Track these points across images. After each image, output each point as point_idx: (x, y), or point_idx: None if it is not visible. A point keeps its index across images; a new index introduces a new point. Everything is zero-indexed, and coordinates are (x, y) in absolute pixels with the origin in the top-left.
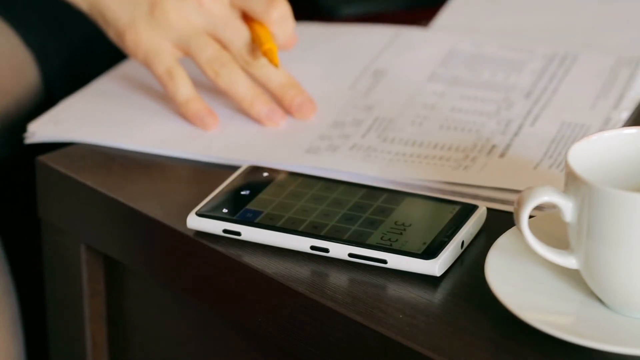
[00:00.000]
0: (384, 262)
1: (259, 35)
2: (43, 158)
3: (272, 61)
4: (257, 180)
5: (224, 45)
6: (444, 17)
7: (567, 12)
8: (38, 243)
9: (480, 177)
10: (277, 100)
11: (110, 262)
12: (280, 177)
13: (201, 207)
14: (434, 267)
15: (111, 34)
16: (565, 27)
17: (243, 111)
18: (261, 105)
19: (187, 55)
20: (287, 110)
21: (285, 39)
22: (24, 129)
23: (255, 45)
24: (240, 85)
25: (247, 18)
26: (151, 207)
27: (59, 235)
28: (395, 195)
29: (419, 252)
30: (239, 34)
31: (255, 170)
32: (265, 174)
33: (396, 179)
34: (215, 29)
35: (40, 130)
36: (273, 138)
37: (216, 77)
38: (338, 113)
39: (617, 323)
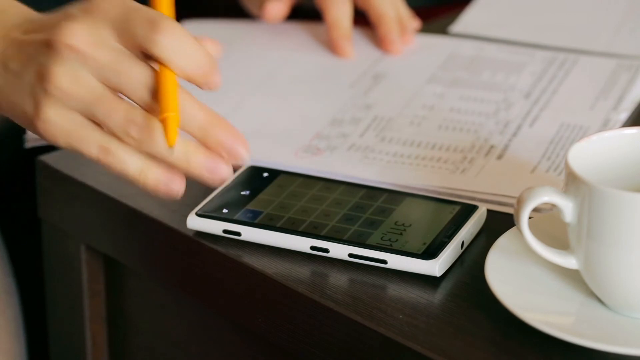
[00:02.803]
0: (384, 262)
1: (158, 96)
2: (43, 158)
3: (166, 138)
4: (257, 181)
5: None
6: (467, 17)
7: (592, 12)
8: (38, 243)
9: (477, 182)
10: (202, 145)
11: (110, 262)
12: (281, 177)
13: (201, 208)
14: (434, 267)
15: (30, 130)
16: (590, 28)
17: (183, 172)
18: (203, 159)
19: (101, 124)
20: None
21: (188, 67)
22: (24, 129)
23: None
24: (164, 150)
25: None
26: (151, 207)
27: (59, 235)
28: (395, 196)
29: (419, 252)
30: (135, 77)
31: (256, 170)
32: (266, 174)
33: (393, 183)
34: (107, 78)
35: None
36: (271, 137)
37: (138, 146)
38: (337, 111)
39: (617, 323)
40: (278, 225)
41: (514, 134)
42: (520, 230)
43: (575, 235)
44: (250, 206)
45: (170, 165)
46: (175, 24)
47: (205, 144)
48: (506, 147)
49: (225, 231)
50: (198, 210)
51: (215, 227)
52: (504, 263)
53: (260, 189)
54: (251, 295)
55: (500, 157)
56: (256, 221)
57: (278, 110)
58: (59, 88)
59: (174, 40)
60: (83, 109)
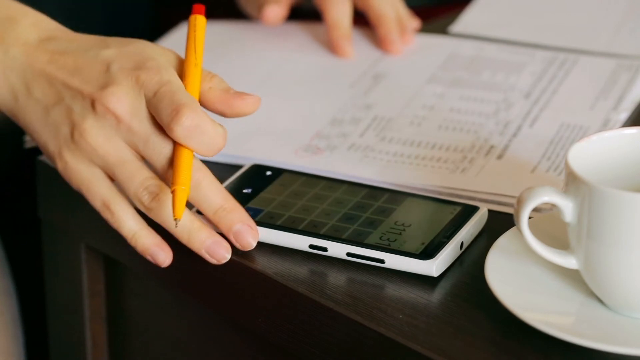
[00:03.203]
0: (382, 261)
1: (173, 168)
2: (43, 158)
3: (173, 211)
4: (260, 179)
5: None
6: (467, 17)
7: (592, 12)
8: (38, 243)
9: (477, 182)
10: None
11: (110, 262)
12: (283, 176)
13: None
14: (431, 267)
15: (45, 155)
16: (590, 28)
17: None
18: (204, 240)
19: (118, 184)
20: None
21: (205, 151)
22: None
23: None
24: (167, 220)
25: None
26: None
27: (59, 235)
28: (396, 196)
29: (417, 252)
30: (161, 152)
31: (259, 168)
32: (269, 173)
33: (393, 182)
34: (138, 146)
35: None
36: (271, 136)
37: (147, 211)
38: (337, 110)
39: (617, 323)
40: (278, 223)
41: (514, 134)
42: (520, 230)
43: (575, 235)
44: (252, 204)
45: (174, 234)
46: (195, 112)
47: (216, 226)
48: (506, 147)
49: None
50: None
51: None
52: (504, 263)
53: (263, 187)
54: (251, 295)
55: (500, 157)
56: (256, 219)
57: (278, 109)
58: (89, 144)
59: (190, 130)
60: (104, 166)
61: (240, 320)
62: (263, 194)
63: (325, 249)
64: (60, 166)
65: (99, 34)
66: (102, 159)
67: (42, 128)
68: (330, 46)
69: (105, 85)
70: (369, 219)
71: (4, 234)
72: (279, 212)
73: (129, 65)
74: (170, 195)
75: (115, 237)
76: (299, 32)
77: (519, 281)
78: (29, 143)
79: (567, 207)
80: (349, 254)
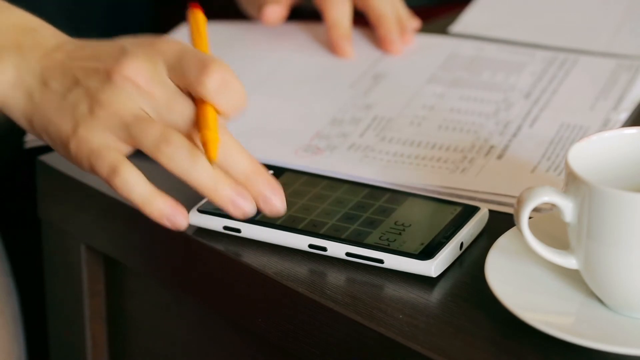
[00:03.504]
0: (381, 261)
1: (198, 120)
2: (43, 158)
3: (206, 153)
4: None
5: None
6: (467, 17)
7: (592, 12)
8: (38, 243)
9: (477, 182)
10: None
11: (110, 262)
12: (285, 175)
13: (203, 204)
14: (430, 267)
15: (59, 150)
16: (590, 28)
17: (208, 198)
18: (228, 190)
19: (134, 146)
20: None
21: (231, 109)
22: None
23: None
24: (197, 169)
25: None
26: None
27: (59, 235)
28: (397, 196)
29: (416, 252)
30: (184, 113)
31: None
32: (270, 172)
33: (393, 182)
34: (159, 112)
35: None
36: (271, 136)
37: (169, 162)
38: (337, 111)
39: (617, 323)
40: (278, 222)
41: (514, 134)
42: (520, 230)
43: (575, 235)
44: None
45: (195, 187)
46: (224, 67)
47: (246, 189)
48: (506, 147)
49: (225, 228)
50: (200, 207)
51: (215, 223)
52: (504, 263)
53: None
54: (251, 295)
55: (500, 157)
56: (256, 218)
57: (278, 109)
58: (107, 111)
59: (220, 84)
60: (120, 129)
61: (240, 320)
62: None
63: (324, 249)
64: (72, 145)
65: (99, 35)
66: (119, 124)
67: (58, 114)
68: (330, 46)
69: (121, 58)
70: (369, 219)
71: (5, 234)
72: None
73: (145, 43)
74: (194, 145)
75: (115, 237)
76: (298, 32)
77: (519, 281)
78: (29, 143)
79: (567, 207)
80: (348, 254)
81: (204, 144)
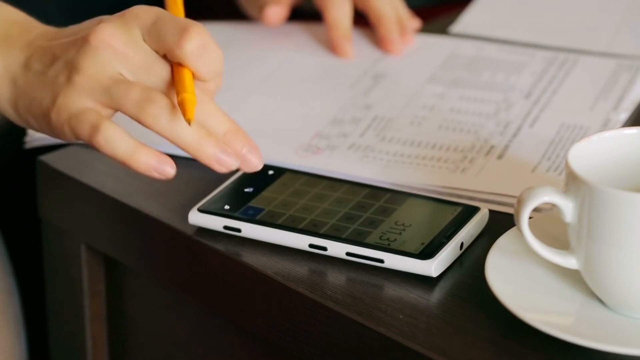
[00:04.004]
0: (381, 261)
1: (175, 81)
2: (44, 158)
3: (184, 114)
4: (261, 178)
5: None
6: (467, 17)
7: (592, 12)
8: (38, 243)
9: (477, 181)
10: None
11: (110, 262)
12: (285, 175)
13: (203, 203)
14: (430, 267)
15: (43, 128)
16: (590, 28)
17: (192, 156)
18: (212, 147)
19: (115, 108)
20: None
21: (209, 73)
22: (24, 129)
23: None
24: (181, 128)
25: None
26: (151, 206)
27: (60, 235)
28: (397, 196)
29: (416, 252)
30: (162, 76)
31: (262, 167)
32: (271, 172)
33: (393, 182)
34: (137, 75)
35: (41, 134)
36: (271, 136)
37: (153, 121)
38: (337, 111)
39: (617, 323)
40: (278, 222)
41: (514, 135)
42: (520, 230)
43: (575, 235)
44: (253, 203)
45: (180, 145)
46: (203, 31)
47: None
48: (506, 147)
49: (225, 227)
50: (200, 206)
51: (216, 223)
52: (504, 263)
53: (264, 187)
54: (251, 295)
55: (500, 157)
56: (257, 218)
57: (278, 109)
58: (85, 76)
59: (199, 48)
60: (99, 92)
61: (240, 320)
62: (264, 193)
63: (324, 249)
64: (53, 115)
65: None
66: (98, 88)
67: (39, 91)
68: (331, 46)
69: (96, 25)
70: (369, 219)
71: (5, 234)
72: (279, 211)
73: (120, 13)
74: (175, 103)
75: (115, 237)
76: (299, 32)
77: (519, 281)
78: (29, 143)
79: (567, 207)
80: (348, 254)
81: (181, 105)
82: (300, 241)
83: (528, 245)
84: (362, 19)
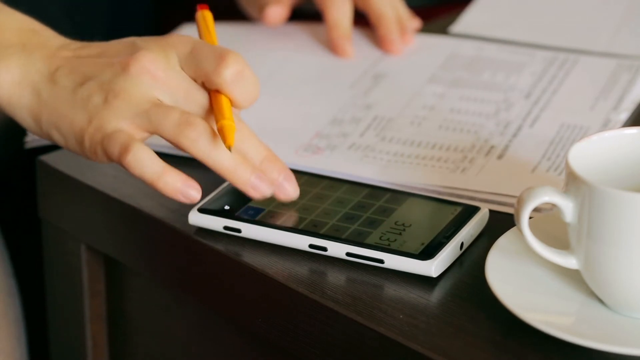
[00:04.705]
0: (381, 261)
1: (214, 108)
2: (43, 158)
3: (223, 140)
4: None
5: None
6: (467, 17)
7: (592, 12)
8: (38, 243)
9: (477, 181)
10: None
11: (110, 262)
12: None
13: (204, 204)
14: (430, 267)
15: (71, 146)
16: (590, 28)
17: (228, 180)
18: (248, 172)
19: (153, 131)
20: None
21: (246, 100)
22: (24, 129)
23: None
24: (219, 152)
25: (205, 87)
26: (151, 206)
27: (60, 235)
28: (397, 196)
29: (416, 252)
30: (201, 103)
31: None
32: None
33: (393, 182)
34: (176, 101)
35: None
36: (271, 136)
37: (191, 144)
38: (337, 111)
39: (617, 323)
40: (278, 222)
41: (514, 134)
42: (520, 230)
43: (576, 235)
44: (253, 203)
45: (216, 169)
46: (240, 59)
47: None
48: (506, 147)
49: (225, 228)
50: (200, 206)
51: (216, 223)
52: (504, 263)
53: None
54: (251, 295)
55: (500, 157)
56: (257, 218)
57: (279, 109)
58: (124, 100)
59: (236, 75)
60: (136, 116)
61: (240, 320)
62: None
63: (324, 249)
64: (87, 136)
65: (101, 37)
66: (136, 109)
67: (69, 109)
68: (331, 46)
69: (135, 51)
70: (369, 219)
71: (5, 234)
72: (279, 211)
73: (155, 38)
74: (214, 128)
75: (115, 237)
76: (299, 33)
77: (519, 281)
78: (29, 143)
79: (567, 207)
80: (348, 254)
81: (221, 131)
82: (300, 241)
83: (528, 245)
84: (362, 19)
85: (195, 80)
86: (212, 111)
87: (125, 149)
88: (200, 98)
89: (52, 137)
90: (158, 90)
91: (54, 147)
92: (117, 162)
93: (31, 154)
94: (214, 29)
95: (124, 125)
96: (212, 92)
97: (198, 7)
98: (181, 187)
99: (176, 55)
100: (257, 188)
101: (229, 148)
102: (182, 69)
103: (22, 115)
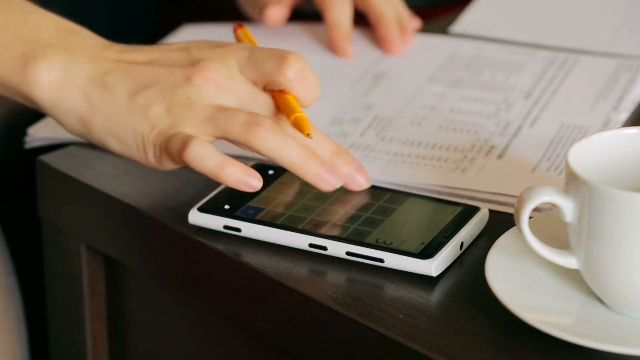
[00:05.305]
0: (381, 261)
1: (283, 105)
2: (43, 158)
3: (302, 130)
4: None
5: None
6: (467, 17)
7: (592, 12)
8: (39, 243)
9: (477, 181)
10: None
11: (110, 262)
12: (285, 175)
13: (204, 203)
14: (430, 267)
15: (130, 153)
16: (590, 28)
17: (298, 175)
18: (317, 166)
19: (220, 135)
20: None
21: (310, 96)
22: (25, 129)
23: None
24: (288, 147)
25: (267, 89)
26: (151, 206)
27: (60, 235)
28: (397, 195)
29: (416, 252)
30: (267, 105)
31: (261, 167)
32: (271, 172)
33: (393, 181)
34: (242, 105)
35: (41, 134)
36: None
37: (261, 142)
38: (337, 111)
39: (617, 323)
40: (278, 222)
41: (514, 134)
42: (520, 230)
43: (576, 235)
44: (253, 203)
45: (286, 165)
46: (301, 58)
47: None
48: (506, 147)
49: (225, 227)
50: (200, 206)
51: (216, 222)
52: (504, 263)
53: (265, 186)
54: (251, 295)
55: (500, 156)
56: (257, 218)
57: None
58: (187, 108)
59: (299, 73)
60: (202, 122)
61: (240, 320)
62: (265, 193)
63: (324, 248)
64: (150, 143)
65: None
66: (201, 116)
67: (127, 116)
68: (331, 46)
69: (194, 62)
70: (369, 219)
71: (5, 234)
72: (279, 210)
73: (208, 47)
74: (274, 124)
75: (115, 237)
76: (299, 33)
77: (519, 281)
78: (29, 143)
79: (567, 207)
80: (348, 253)
81: (296, 123)
82: (300, 241)
83: (528, 245)
84: (362, 19)
85: (256, 85)
86: (277, 113)
87: (184, 145)
88: (265, 100)
89: (106, 144)
90: (223, 97)
91: (54, 147)
92: (178, 161)
93: (31, 154)
94: (254, 41)
95: (190, 131)
96: (276, 92)
97: (236, 26)
98: (243, 176)
99: (235, 61)
100: (327, 181)
101: (309, 136)
102: (243, 74)
103: (67, 118)
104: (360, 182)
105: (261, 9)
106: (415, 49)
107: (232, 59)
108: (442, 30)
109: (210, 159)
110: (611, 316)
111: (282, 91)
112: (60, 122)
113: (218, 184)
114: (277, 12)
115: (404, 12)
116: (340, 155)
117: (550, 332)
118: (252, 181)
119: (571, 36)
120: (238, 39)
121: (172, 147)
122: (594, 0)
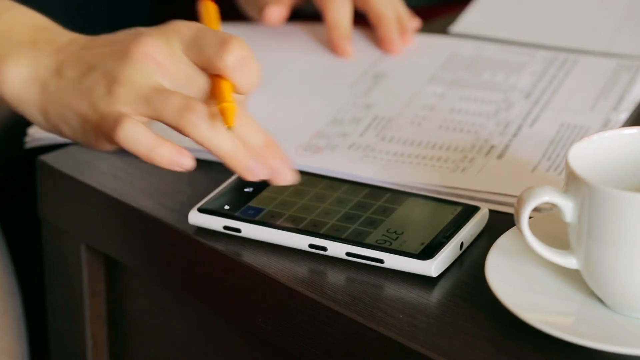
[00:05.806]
0: (381, 261)
1: (215, 92)
2: (44, 158)
3: (225, 121)
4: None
5: None
6: (467, 17)
7: (592, 12)
8: (39, 243)
9: (477, 181)
10: None
11: (110, 262)
12: None
13: (204, 203)
14: (430, 267)
15: (79, 137)
16: (590, 28)
17: (226, 165)
18: (246, 156)
19: (155, 117)
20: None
21: (247, 85)
22: (24, 129)
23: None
24: (218, 136)
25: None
26: (151, 206)
27: (60, 235)
28: (397, 195)
29: (416, 252)
30: (202, 88)
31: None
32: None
33: (393, 181)
34: (177, 86)
35: (40, 134)
36: (271, 134)
37: (192, 128)
38: (337, 110)
39: (617, 323)
40: (278, 222)
41: (514, 134)
42: (520, 230)
43: (576, 235)
44: (253, 203)
45: (215, 152)
46: (243, 45)
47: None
48: (506, 147)
49: (225, 227)
50: (200, 206)
51: (216, 223)
52: (504, 263)
53: (264, 187)
54: (251, 295)
55: (500, 156)
56: (257, 218)
57: (279, 109)
58: (125, 86)
59: (239, 60)
60: (139, 102)
61: (240, 320)
62: (264, 193)
63: (324, 249)
64: (92, 125)
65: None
66: (138, 96)
67: (75, 99)
68: (330, 46)
69: (137, 37)
70: (369, 219)
71: (5, 234)
72: (279, 211)
73: (159, 26)
74: (215, 111)
75: (115, 237)
76: (299, 32)
77: (519, 281)
78: (29, 143)
79: (567, 207)
80: (348, 254)
81: (222, 112)
82: (300, 241)
83: (528, 245)
84: (362, 19)
85: (197, 66)
86: (213, 96)
87: (115, 124)
88: (201, 83)
89: (61, 130)
90: (159, 75)
91: (54, 147)
92: (111, 141)
93: (31, 154)
94: (217, 18)
95: (126, 111)
96: (214, 76)
97: (200, 0)
98: (176, 157)
99: (179, 40)
100: (253, 171)
101: (230, 128)
102: (184, 54)
103: (31, 111)
104: (286, 177)
105: (261, 8)
106: (415, 49)
107: (175, 38)
108: (442, 30)
109: (143, 140)
110: (611, 316)
111: (219, 76)
112: (28, 118)
113: (218, 184)
114: (277, 12)
115: (404, 12)
116: (271, 148)
117: (550, 332)
118: (185, 161)
119: (571, 36)
120: (200, 14)
121: (105, 127)
122: (594, 0)
